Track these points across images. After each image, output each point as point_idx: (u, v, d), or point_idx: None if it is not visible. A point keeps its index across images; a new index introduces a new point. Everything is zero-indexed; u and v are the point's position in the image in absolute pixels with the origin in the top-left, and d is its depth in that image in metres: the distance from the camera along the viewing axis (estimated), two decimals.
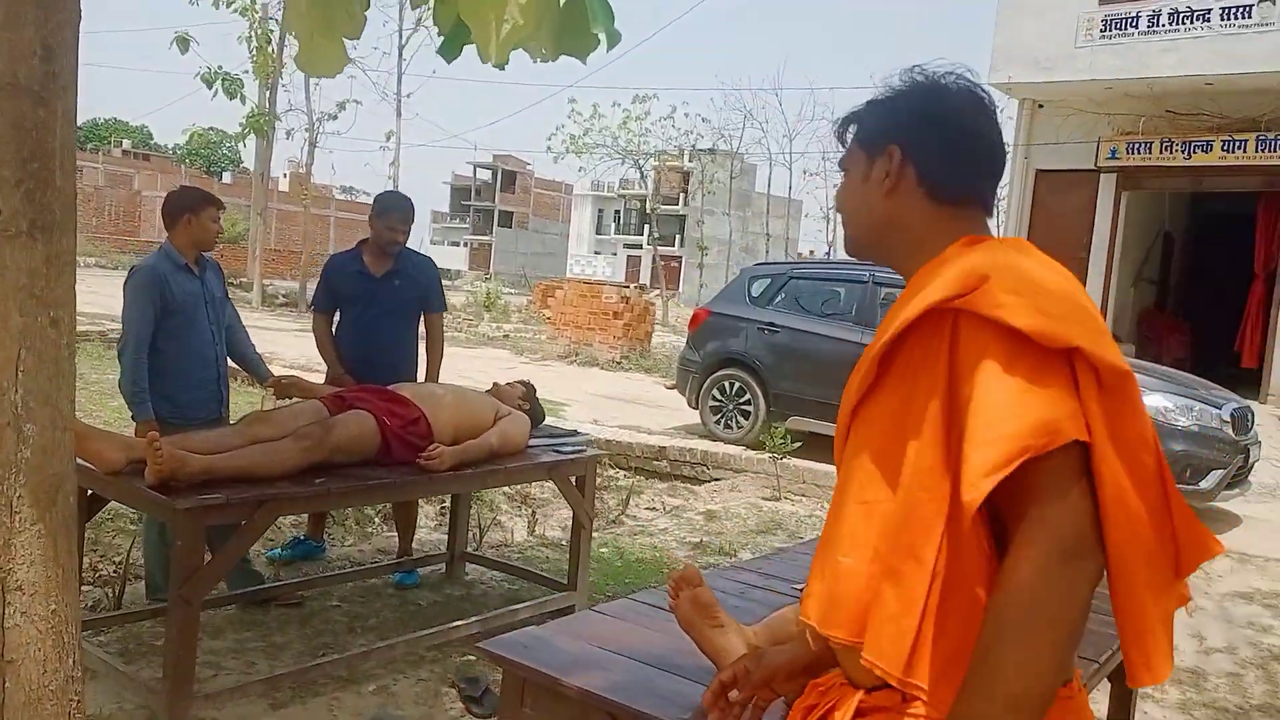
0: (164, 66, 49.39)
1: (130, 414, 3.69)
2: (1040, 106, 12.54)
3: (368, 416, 3.40)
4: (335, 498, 3.38)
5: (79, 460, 2.19)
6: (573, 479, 4.01)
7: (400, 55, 21.72)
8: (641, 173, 30.51)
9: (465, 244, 67.41)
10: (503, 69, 1.84)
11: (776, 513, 6.23)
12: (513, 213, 66.97)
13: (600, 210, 56.46)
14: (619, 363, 13.88)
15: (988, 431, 1.01)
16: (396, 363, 4.36)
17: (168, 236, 3.80)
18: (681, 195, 44.12)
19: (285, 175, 42.08)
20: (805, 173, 38.70)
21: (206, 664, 3.25)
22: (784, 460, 6.66)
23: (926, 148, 1.22)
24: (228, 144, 60.93)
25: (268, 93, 19.14)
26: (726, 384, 8.15)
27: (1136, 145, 11.72)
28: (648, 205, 29.37)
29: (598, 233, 56.84)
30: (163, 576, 3.65)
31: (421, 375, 4.49)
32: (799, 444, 6.66)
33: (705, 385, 8.25)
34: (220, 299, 3.92)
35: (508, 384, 4.37)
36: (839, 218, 1.36)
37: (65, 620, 1.71)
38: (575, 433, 4.48)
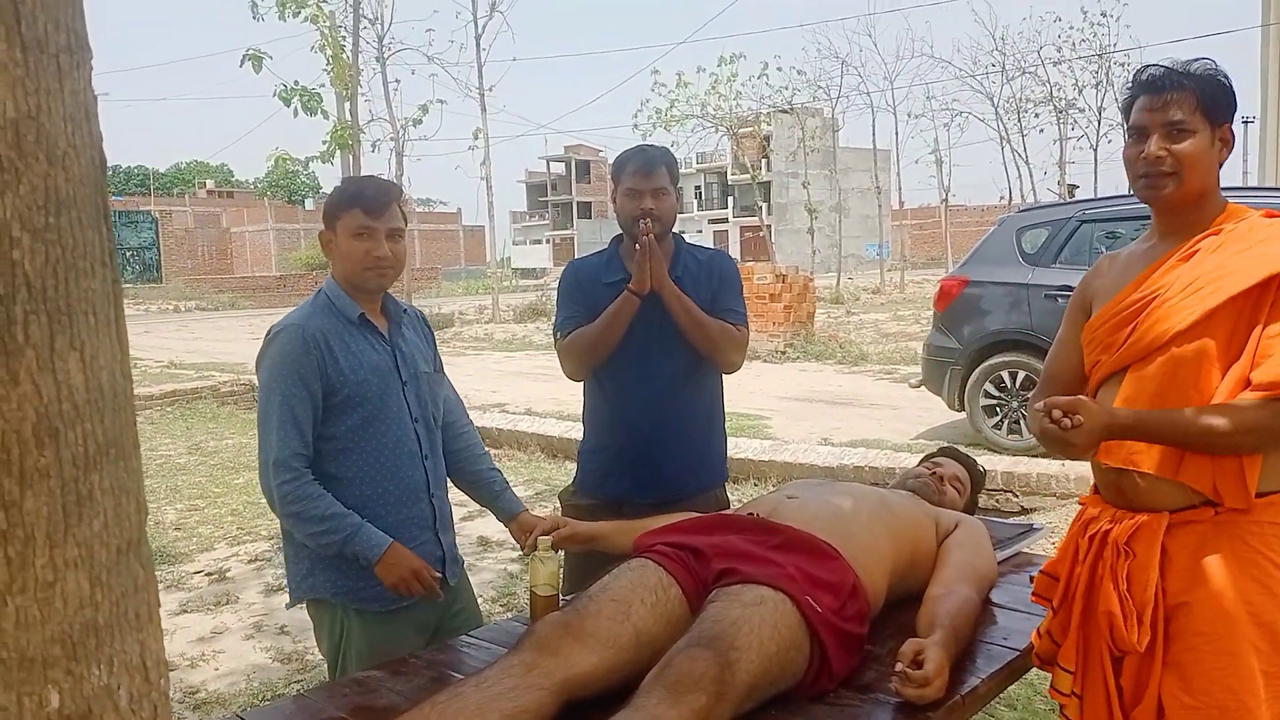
0: (235, 92, 48.94)
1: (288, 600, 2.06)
2: None
3: (783, 603, 1.61)
4: None
5: None
6: None
7: (478, 46, 20.18)
8: (737, 140, 28.38)
9: (547, 240, 66.29)
10: None
11: None
12: (590, 203, 65.51)
13: (679, 188, 54.37)
14: (783, 352, 11.96)
15: None
16: (696, 440, 2.55)
17: (330, 270, 2.12)
18: (763, 161, 41.52)
19: None
20: (909, 115, 36.08)
21: None
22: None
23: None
24: (305, 172, 60.77)
25: (348, 104, 17.80)
26: (1005, 375, 6.16)
27: None
28: (728, 176, 27.06)
29: (679, 211, 54.74)
30: None
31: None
32: None
33: (973, 379, 6.29)
34: (426, 375, 2.18)
35: (933, 460, 2.57)
36: None
37: None
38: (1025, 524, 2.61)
